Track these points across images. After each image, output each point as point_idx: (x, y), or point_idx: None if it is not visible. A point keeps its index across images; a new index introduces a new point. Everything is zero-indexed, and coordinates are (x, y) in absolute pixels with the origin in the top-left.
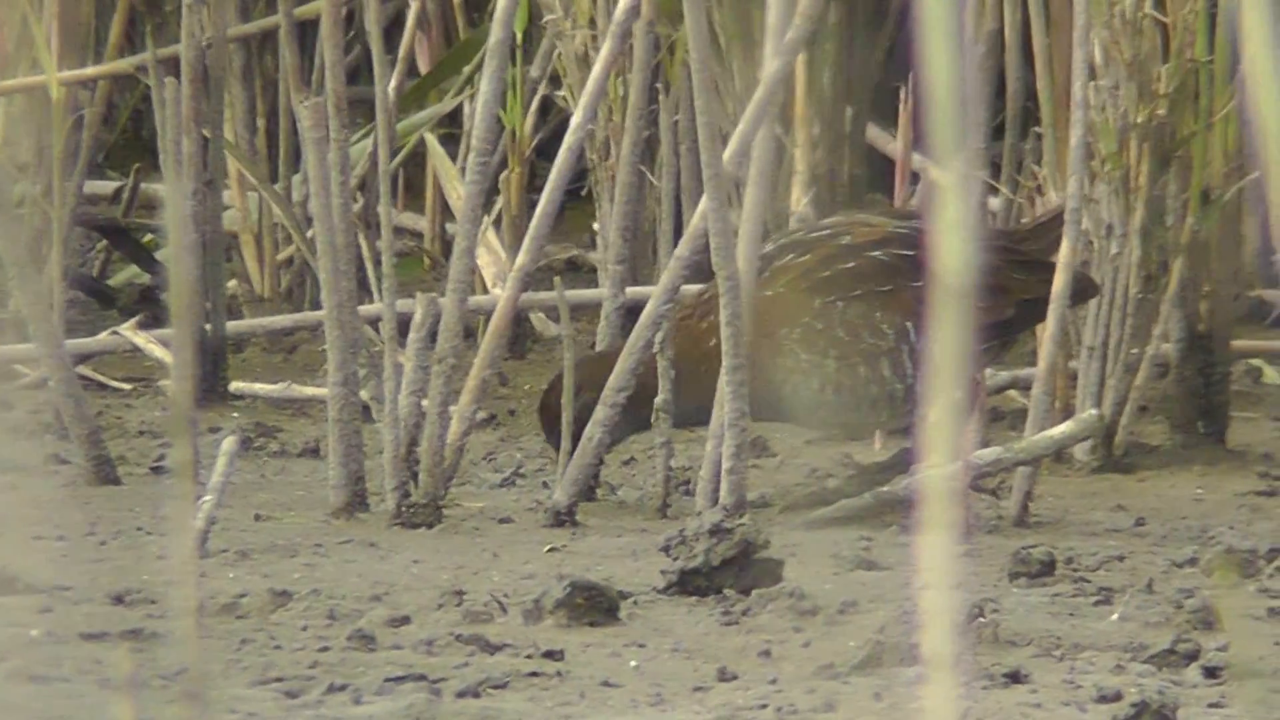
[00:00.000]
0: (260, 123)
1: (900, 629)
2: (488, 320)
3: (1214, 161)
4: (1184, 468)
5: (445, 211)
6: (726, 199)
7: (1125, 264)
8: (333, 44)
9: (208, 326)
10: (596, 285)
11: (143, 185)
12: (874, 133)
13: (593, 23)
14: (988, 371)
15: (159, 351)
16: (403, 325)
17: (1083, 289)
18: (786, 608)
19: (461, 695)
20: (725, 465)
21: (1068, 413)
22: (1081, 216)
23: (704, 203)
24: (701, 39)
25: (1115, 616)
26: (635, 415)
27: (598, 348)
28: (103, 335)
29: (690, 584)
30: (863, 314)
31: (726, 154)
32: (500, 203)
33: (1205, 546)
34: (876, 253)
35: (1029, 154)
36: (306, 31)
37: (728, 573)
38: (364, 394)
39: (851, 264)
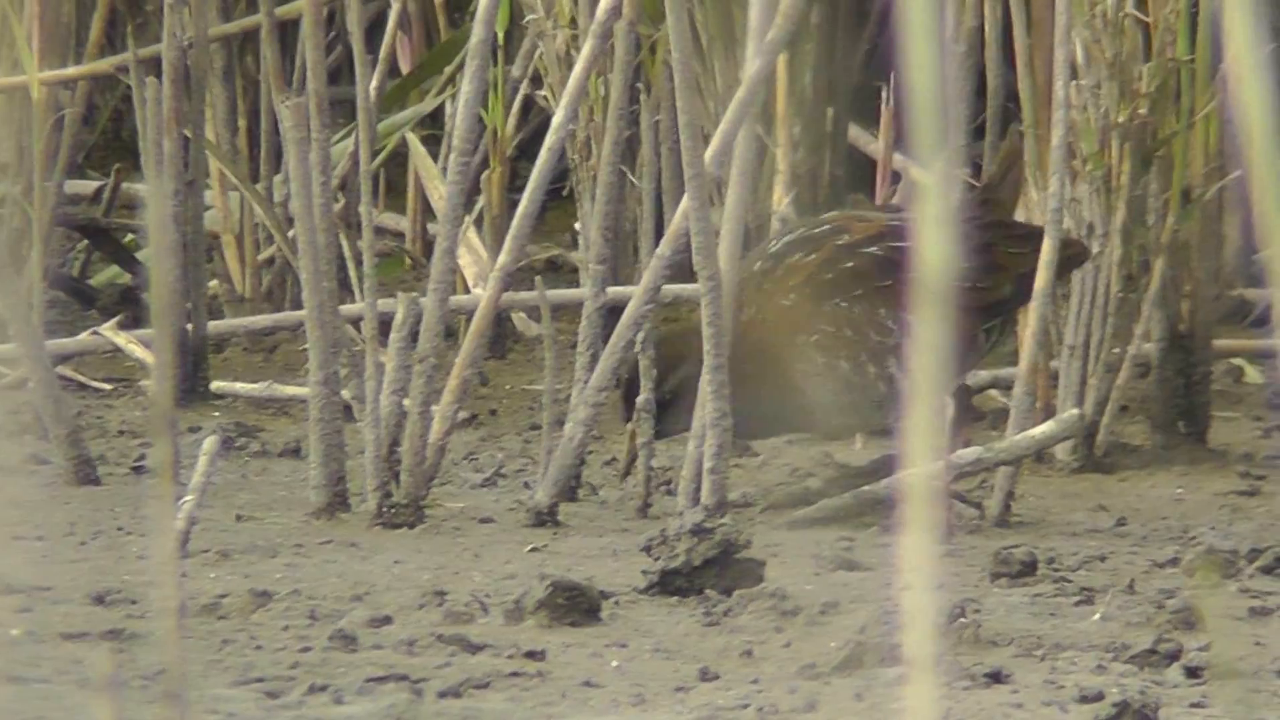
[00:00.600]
0: (241, 123)
1: (881, 629)
2: (469, 320)
3: (1195, 161)
4: (1165, 468)
5: (426, 211)
6: (708, 199)
7: (1106, 263)
8: (314, 44)
9: (189, 326)
10: (578, 285)
11: (123, 185)
12: (855, 132)
13: (574, 22)
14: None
15: (139, 351)
16: (384, 325)
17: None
18: (768, 608)
19: (443, 695)
20: (707, 465)
21: (1049, 412)
22: (1063, 216)
23: (685, 202)
24: (683, 39)
25: (1097, 617)
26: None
27: (579, 348)
28: (83, 335)
29: (671, 584)
30: (867, 312)
31: (708, 154)
32: (482, 202)
33: (1186, 547)
34: (873, 249)
35: None
36: (288, 31)
37: (709, 573)
38: (345, 394)
39: (851, 263)
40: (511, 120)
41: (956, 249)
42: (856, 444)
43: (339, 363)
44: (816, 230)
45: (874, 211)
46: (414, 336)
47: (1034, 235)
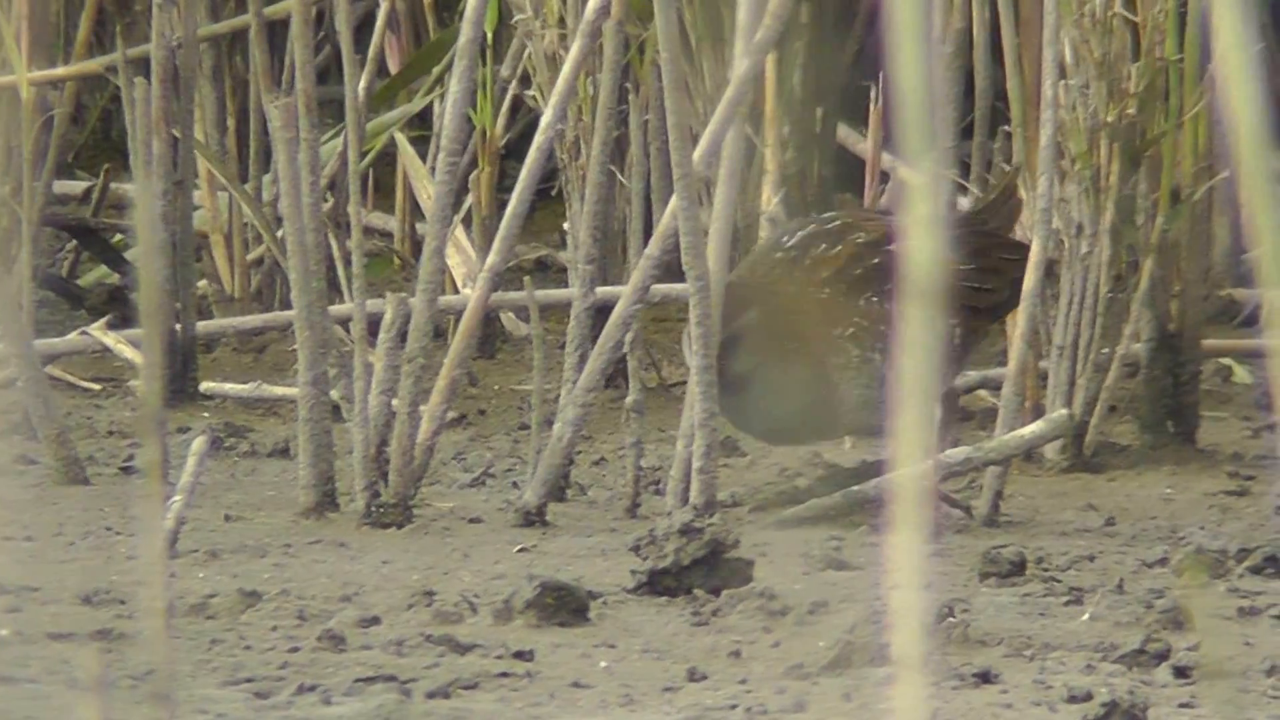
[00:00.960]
0: (230, 123)
1: (870, 629)
2: (458, 320)
3: (1184, 161)
4: (1154, 467)
5: (415, 211)
6: (696, 198)
7: (1095, 263)
8: (303, 44)
9: (177, 326)
10: (566, 285)
11: (112, 185)
12: (844, 132)
13: (562, 22)
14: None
15: (128, 351)
16: (373, 325)
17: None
18: (756, 608)
19: (431, 696)
20: (695, 465)
21: (1038, 412)
22: (1052, 216)
23: (674, 202)
24: (672, 38)
25: (1085, 616)
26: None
27: (568, 348)
28: (72, 335)
29: (660, 584)
30: (897, 307)
31: (696, 154)
32: (470, 202)
33: (1175, 546)
34: (890, 247)
35: (998, 153)
36: (276, 31)
37: (697, 573)
38: (334, 394)
39: (877, 259)
40: (500, 120)
41: (953, 251)
42: (846, 444)
43: (328, 363)
44: (829, 225)
45: (869, 212)
46: (403, 337)
47: (1021, 246)
